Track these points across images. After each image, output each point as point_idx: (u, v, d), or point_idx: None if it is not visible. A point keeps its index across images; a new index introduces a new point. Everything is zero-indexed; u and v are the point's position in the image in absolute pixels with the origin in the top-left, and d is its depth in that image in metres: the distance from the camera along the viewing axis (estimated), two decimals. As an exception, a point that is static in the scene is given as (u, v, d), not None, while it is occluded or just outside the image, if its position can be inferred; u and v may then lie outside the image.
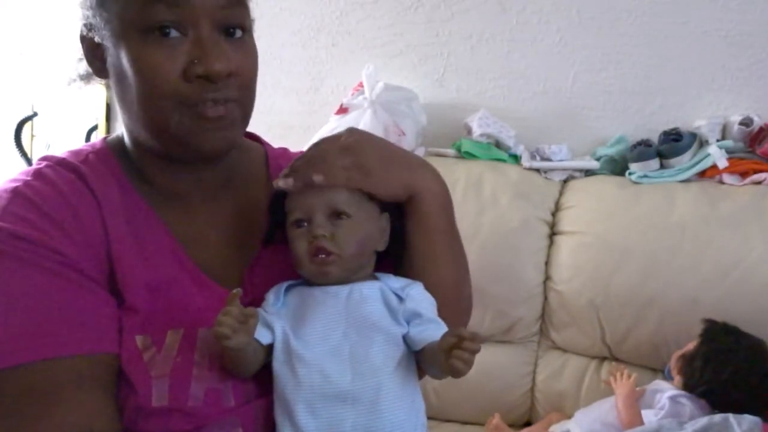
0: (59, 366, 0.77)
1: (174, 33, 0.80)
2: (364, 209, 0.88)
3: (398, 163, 0.91)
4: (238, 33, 0.84)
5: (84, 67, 0.90)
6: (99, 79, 0.89)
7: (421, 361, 0.85)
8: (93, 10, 0.83)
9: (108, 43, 0.83)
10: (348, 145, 0.88)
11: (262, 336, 0.83)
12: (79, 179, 0.85)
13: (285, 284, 0.89)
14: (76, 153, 0.89)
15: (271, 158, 1.02)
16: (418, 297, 0.87)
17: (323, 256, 0.85)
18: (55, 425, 0.76)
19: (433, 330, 0.83)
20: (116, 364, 0.81)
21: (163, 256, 0.87)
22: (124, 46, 0.81)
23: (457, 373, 0.77)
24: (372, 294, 0.86)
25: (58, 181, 0.84)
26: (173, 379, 0.80)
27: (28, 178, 0.84)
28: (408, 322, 0.85)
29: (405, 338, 0.84)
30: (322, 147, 0.89)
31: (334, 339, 0.83)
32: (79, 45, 0.87)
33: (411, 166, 0.92)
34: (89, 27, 0.85)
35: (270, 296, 0.88)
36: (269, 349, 0.84)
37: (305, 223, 0.87)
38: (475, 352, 0.76)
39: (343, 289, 0.86)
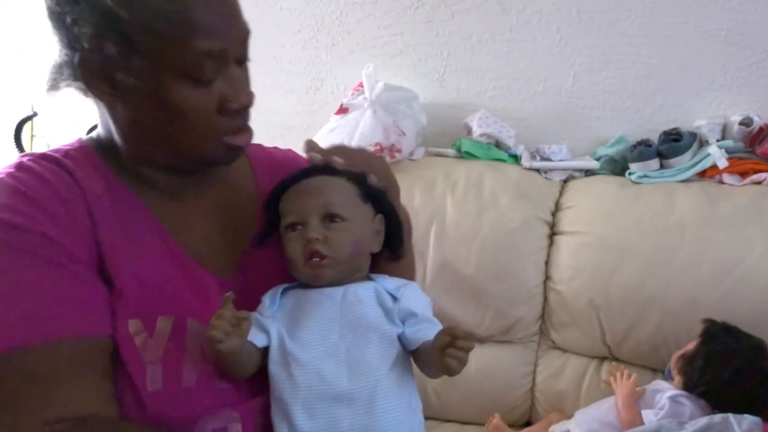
0: (57, 350, 0.77)
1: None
2: (359, 212, 0.88)
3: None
4: (245, 63, 0.89)
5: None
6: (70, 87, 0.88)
7: (417, 360, 0.85)
8: (117, 48, 0.80)
9: (132, 79, 0.81)
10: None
11: (257, 339, 0.83)
12: (62, 170, 0.86)
13: (281, 287, 0.89)
14: (55, 150, 0.90)
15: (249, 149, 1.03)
16: (413, 297, 0.88)
17: (317, 259, 0.85)
18: (54, 408, 0.76)
19: (427, 329, 0.83)
20: (112, 348, 0.81)
21: (151, 245, 0.87)
22: (160, 84, 0.81)
23: (451, 372, 0.77)
24: (367, 295, 0.86)
25: (42, 171, 0.85)
26: (166, 364, 0.81)
27: (12, 170, 0.85)
28: (403, 322, 0.85)
29: (400, 338, 0.85)
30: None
31: (330, 340, 0.83)
32: (72, 68, 0.84)
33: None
34: (102, 58, 0.81)
35: (266, 300, 0.88)
36: (265, 351, 0.84)
37: (299, 227, 0.87)
38: (468, 350, 0.76)
39: (338, 291, 0.86)
